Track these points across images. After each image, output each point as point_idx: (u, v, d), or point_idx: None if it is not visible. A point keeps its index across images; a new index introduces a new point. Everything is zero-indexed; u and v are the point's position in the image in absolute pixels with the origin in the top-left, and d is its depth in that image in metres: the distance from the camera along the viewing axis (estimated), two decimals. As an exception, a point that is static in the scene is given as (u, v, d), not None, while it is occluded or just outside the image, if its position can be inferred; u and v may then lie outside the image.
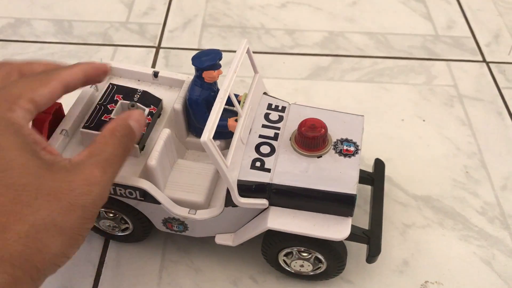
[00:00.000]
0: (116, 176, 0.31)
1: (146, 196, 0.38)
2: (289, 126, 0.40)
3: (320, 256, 0.39)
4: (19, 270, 0.26)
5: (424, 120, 0.56)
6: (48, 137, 0.39)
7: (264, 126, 0.40)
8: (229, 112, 0.41)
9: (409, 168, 0.51)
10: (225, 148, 0.43)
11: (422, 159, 0.52)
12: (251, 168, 0.37)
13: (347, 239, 0.37)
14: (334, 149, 0.38)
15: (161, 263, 0.43)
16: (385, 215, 0.46)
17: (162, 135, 0.38)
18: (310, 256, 0.39)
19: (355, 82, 0.60)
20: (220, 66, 0.40)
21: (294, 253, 0.39)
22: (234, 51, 0.38)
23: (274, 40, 0.66)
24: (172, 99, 0.42)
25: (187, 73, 0.44)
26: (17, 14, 0.68)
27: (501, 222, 0.47)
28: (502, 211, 0.48)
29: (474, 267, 0.44)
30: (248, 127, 0.39)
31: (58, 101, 0.39)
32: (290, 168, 0.37)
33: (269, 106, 0.41)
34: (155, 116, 0.40)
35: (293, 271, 0.41)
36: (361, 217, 0.46)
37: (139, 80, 0.44)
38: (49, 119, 0.38)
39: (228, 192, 0.36)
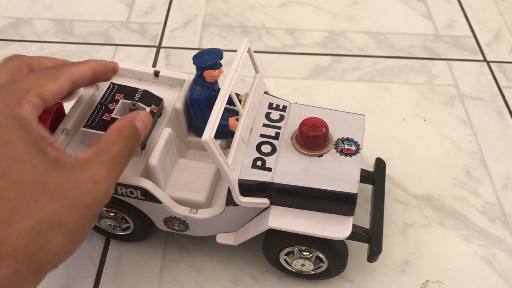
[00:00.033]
0: (120, 176, 0.31)
1: (147, 195, 0.38)
2: (290, 125, 0.40)
3: (321, 255, 0.39)
4: (22, 265, 0.26)
5: (424, 120, 0.56)
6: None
7: (265, 125, 0.40)
8: (230, 112, 0.41)
9: (409, 168, 0.51)
10: (226, 147, 0.43)
11: (423, 159, 0.52)
12: (252, 167, 0.37)
13: (348, 238, 0.37)
14: (335, 148, 0.38)
15: (162, 262, 0.43)
16: (386, 214, 0.46)
17: (163, 134, 0.39)
18: (311, 255, 0.39)
19: (356, 81, 0.60)
20: (221, 65, 0.40)
21: (295, 252, 0.39)
22: (235, 51, 0.38)
23: (274, 39, 0.66)
24: (173, 99, 0.42)
25: (188, 73, 0.44)
26: (18, 14, 0.68)
27: (502, 222, 0.47)
28: (503, 210, 0.48)
29: (475, 266, 0.44)
30: (249, 127, 0.39)
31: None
32: (291, 167, 0.37)
33: (270, 106, 0.41)
34: (156, 116, 0.40)
35: (294, 270, 0.41)
36: (362, 217, 0.46)
37: (140, 80, 0.44)
38: (50, 118, 0.38)
39: (229, 191, 0.36)
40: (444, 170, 0.51)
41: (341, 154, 0.38)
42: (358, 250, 0.44)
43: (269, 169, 0.37)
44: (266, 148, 0.38)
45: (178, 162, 0.41)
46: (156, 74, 0.44)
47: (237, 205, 0.37)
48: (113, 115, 0.39)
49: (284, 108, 0.41)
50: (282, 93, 0.49)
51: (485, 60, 0.63)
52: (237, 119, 0.39)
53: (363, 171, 0.43)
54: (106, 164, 0.30)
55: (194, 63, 0.40)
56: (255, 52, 0.39)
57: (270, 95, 0.42)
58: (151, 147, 0.39)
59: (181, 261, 0.43)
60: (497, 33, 0.67)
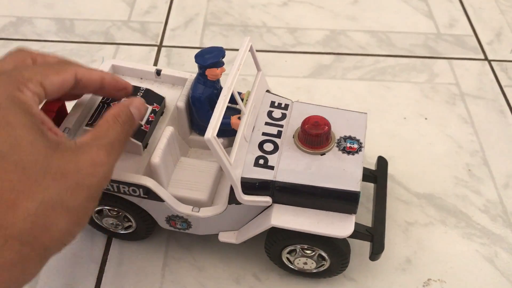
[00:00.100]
0: (117, 160, 0.32)
1: (149, 194, 0.38)
2: (292, 123, 0.40)
3: (323, 254, 0.39)
4: (27, 247, 0.26)
5: (426, 118, 0.56)
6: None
7: (267, 123, 0.40)
8: (232, 110, 0.41)
9: (411, 166, 0.51)
10: (228, 146, 0.43)
11: (424, 157, 0.52)
12: (254, 165, 0.37)
13: (350, 236, 0.37)
14: (337, 146, 0.38)
15: (164, 261, 0.43)
16: (387, 213, 0.46)
17: (165, 133, 0.39)
18: (313, 253, 0.39)
19: (357, 80, 0.60)
20: (223, 63, 0.40)
21: (298, 250, 0.39)
22: (236, 50, 0.38)
23: (275, 38, 0.66)
24: (175, 97, 0.42)
25: (190, 72, 0.44)
26: (19, 13, 0.68)
27: (503, 220, 0.47)
28: (505, 209, 0.48)
29: (476, 264, 0.44)
30: (251, 125, 0.39)
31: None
32: (293, 166, 0.37)
33: (272, 104, 0.41)
34: (158, 114, 0.40)
35: (296, 269, 0.41)
36: (364, 215, 0.46)
37: (141, 78, 0.44)
38: (52, 117, 0.38)
39: (231, 189, 0.36)
40: (445, 169, 0.51)
41: (343, 152, 0.38)
42: (360, 248, 0.44)
43: (272, 168, 0.37)
44: (268, 147, 0.38)
45: (180, 161, 0.41)
46: (158, 72, 0.44)
47: (240, 203, 0.37)
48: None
49: (286, 107, 0.41)
50: (283, 92, 0.49)
51: (486, 59, 0.63)
52: (239, 118, 0.39)
53: (365, 170, 0.43)
54: (105, 147, 0.30)
55: (196, 61, 0.39)
56: (256, 51, 0.39)
57: (272, 93, 0.42)
58: (153, 146, 0.39)
59: (183, 260, 0.43)
60: (498, 32, 0.67)
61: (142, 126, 0.38)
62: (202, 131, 0.43)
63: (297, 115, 0.40)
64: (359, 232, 0.39)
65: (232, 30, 0.67)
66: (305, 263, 0.40)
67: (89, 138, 0.31)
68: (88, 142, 0.30)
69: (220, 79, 0.41)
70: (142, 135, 0.38)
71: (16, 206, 0.26)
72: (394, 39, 0.66)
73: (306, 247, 0.39)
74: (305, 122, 0.37)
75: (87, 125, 0.39)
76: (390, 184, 0.49)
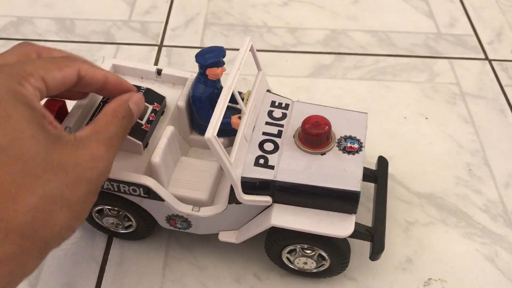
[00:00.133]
0: (116, 155, 0.32)
1: (149, 193, 0.38)
2: (293, 123, 0.40)
3: (323, 253, 0.39)
4: (27, 241, 0.26)
5: (426, 118, 0.56)
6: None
7: (267, 123, 0.40)
8: (233, 110, 0.41)
9: (411, 166, 0.51)
10: (229, 145, 0.43)
11: (425, 157, 0.52)
12: (254, 165, 0.37)
13: (350, 236, 0.37)
14: (337, 146, 0.38)
15: (165, 261, 0.43)
16: (388, 212, 0.46)
17: (165, 132, 0.39)
18: (313, 253, 0.39)
19: (358, 80, 0.60)
20: (223, 63, 0.40)
21: (298, 250, 0.39)
22: (237, 49, 0.38)
23: (276, 38, 0.66)
24: (176, 97, 0.42)
25: (190, 71, 0.44)
26: (19, 13, 0.68)
27: (504, 220, 0.47)
28: (505, 208, 0.48)
29: (477, 264, 0.44)
30: (251, 125, 0.39)
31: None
32: (293, 165, 0.37)
33: (273, 104, 0.41)
34: (158, 114, 0.40)
35: (296, 269, 0.41)
36: (364, 215, 0.46)
37: (142, 78, 0.44)
38: (53, 115, 0.38)
39: (231, 189, 0.36)
40: (446, 168, 0.51)
41: (343, 152, 0.38)
42: (360, 248, 0.44)
43: (272, 167, 0.37)
44: (268, 146, 0.38)
45: (181, 160, 0.41)
46: (159, 72, 0.44)
47: (240, 203, 0.37)
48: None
49: (286, 106, 0.41)
50: (283, 91, 0.49)
51: (487, 58, 0.63)
52: (239, 117, 0.39)
53: (365, 170, 0.43)
54: (105, 142, 0.31)
55: (196, 61, 0.39)
56: (256, 50, 0.39)
57: (272, 93, 0.42)
58: (153, 145, 0.39)
59: (184, 259, 0.43)
60: (499, 31, 0.67)
61: (143, 125, 0.38)
62: (202, 130, 0.43)
63: (297, 114, 0.40)
64: (359, 232, 0.39)
65: (232, 30, 0.67)
66: (305, 263, 0.40)
67: (89, 133, 0.31)
68: (88, 136, 0.30)
69: (221, 78, 0.41)
70: (143, 134, 0.38)
71: (17, 199, 0.26)
72: (394, 39, 0.66)
73: (306, 247, 0.39)
74: (306, 121, 0.37)
75: (87, 124, 0.39)
76: (390, 183, 0.49)
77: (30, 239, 0.26)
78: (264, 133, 0.39)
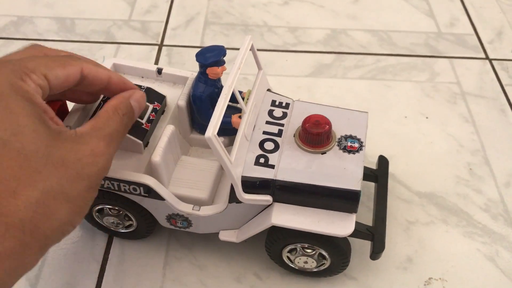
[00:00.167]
0: (116, 151, 0.32)
1: (150, 192, 0.38)
2: (293, 122, 0.40)
3: (324, 253, 0.39)
4: (28, 236, 0.26)
5: (427, 117, 0.56)
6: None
7: (268, 122, 0.40)
8: (233, 109, 0.41)
9: (412, 165, 0.51)
10: (229, 145, 0.43)
11: (426, 156, 0.52)
12: (255, 164, 0.37)
13: (351, 235, 0.37)
14: (338, 145, 0.38)
15: (165, 260, 0.43)
16: (388, 212, 0.46)
17: (166, 131, 0.39)
18: (314, 252, 0.39)
19: (358, 79, 0.60)
20: (224, 62, 0.40)
21: (298, 249, 0.39)
22: (237, 49, 0.38)
23: (276, 37, 0.66)
24: (176, 96, 0.42)
25: (190, 71, 0.44)
26: (20, 12, 0.68)
27: (504, 219, 0.47)
28: (506, 207, 0.48)
29: (477, 263, 0.44)
30: (252, 124, 0.39)
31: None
32: (294, 165, 0.37)
33: (273, 103, 0.41)
34: (159, 113, 0.40)
35: (297, 268, 0.41)
36: (365, 214, 0.46)
37: (142, 77, 0.44)
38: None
39: (232, 188, 0.36)
40: (446, 168, 0.51)
41: (344, 152, 0.38)
42: (361, 247, 0.44)
43: (272, 166, 0.37)
44: (269, 145, 0.38)
45: (181, 159, 0.41)
46: (159, 71, 0.44)
47: (240, 202, 0.37)
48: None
49: (287, 106, 0.41)
50: (284, 91, 0.49)
51: (487, 58, 0.63)
52: (240, 117, 0.39)
53: (366, 169, 0.43)
54: (105, 138, 0.31)
55: (197, 60, 0.39)
56: (257, 50, 0.39)
57: (273, 92, 0.42)
58: (154, 144, 0.39)
59: (184, 259, 0.43)
60: (499, 31, 0.67)
61: (143, 124, 0.38)
62: (202, 130, 0.43)
63: (298, 114, 0.40)
64: (360, 231, 0.39)
65: (232, 29, 0.67)
66: (306, 262, 0.40)
67: (89, 128, 0.31)
68: (88, 132, 0.30)
69: (221, 78, 0.41)
70: (143, 133, 0.38)
71: (17, 194, 0.26)
72: (395, 38, 0.66)
73: (306, 246, 0.39)
74: (306, 121, 0.37)
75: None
76: (391, 183, 0.49)
77: (30, 234, 0.26)
78: (264, 132, 0.39)
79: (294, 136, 0.38)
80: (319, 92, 0.58)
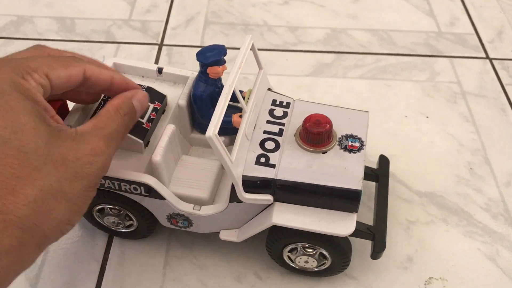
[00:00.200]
0: (116, 151, 0.32)
1: (151, 192, 0.38)
2: (294, 122, 0.40)
3: (324, 252, 0.39)
4: (26, 234, 0.26)
5: (427, 117, 0.56)
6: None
7: (268, 122, 0.40)
8: (234, 108, 0.41)
9: (412, 165, 0.51)
10: (230, 144, 0.43)
11: (426, 156, 0.52)
12: (255, 163, 0.37)
13: (352, 235, 0.37)
14: (339, 145, 0.38)
15: (165, 260, 0.43)
16: (389, 211, 0.46)
17: (166, 131, 0.38)
18: (314, 252, 0.39)
19: (358, 79, 0.60)
20: (224, 61, 0.40)
21: (299, 249, 0.39)
22: (237, 48, 0.38)
23: (276, 37, 0.65)
24: (177, 95, 0.42)
25: (191, 70, 0.44)
26: (20, 12, 0.68)
27: (505, 219, 0.47)
28: (506, 207, 0.48)
29: (478, 263, 0.44)
30: (252, 123, 0.39)
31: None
32: (295, 164, 0.37)
33: (274, 102, 0.41)
34: (159, 112, 0.40)
35: (297, 267, 0.41)
36: (365, 214, 0.46)
37: (143, 76, 0.44)
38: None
39: (232, 187, 0.36)
40: (447, 167, 0.51)
41: (345, 151, 0.38)
42: (361, 247, 0.44)
43: (273, 166, 0.37)
44: (269, 145, 0.38)
45: (182, 159, 0.41)
46: (160, 71, 0.44)
47: (241, 201, 0.37)
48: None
49: (287, 105, 0.41)
50: (284, 90, 0.49)
51: (487, 57, 0.63)
52: (240, 116, 0.39)
53: (366, 168, 0.43)
54: (105, 138, 0.31)
55: (197, 59, 0.39)
56: (257, 49, 0.39)
57: (273, 91, 0.42)
58: (154, 144, 0.39)
59: (184, 258, 0.43)
60: (500, 30, 0.67)
61: (144, 124, 0.38)
62: (203, 129, 0.42)
63: (298, 113, 0.40)
64: (361, 231, 0.39)
65: (233, 29, 0.67)
66: (306, 262, 0.40)
67: (90, 128, 0.31)
68: (89, 131, 0.30)
69: (222, 77, 0.41)
70: (144, 133, 0.38)
71: (17, 192, 0.26)
72: (395, 38, 0.66)
73: (307, 245, 0.39)
74: (307, 120, 0.37)
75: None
76: (391, 182, 0.49)
77: (29, 232, 0.26)
78: (265, 132, 0.39)
79: (294, 136, 0.38)
80: (319, 92, 0.58)
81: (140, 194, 0.38)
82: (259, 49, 0.63)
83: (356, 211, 0.37)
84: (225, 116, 0.34)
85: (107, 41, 0.64)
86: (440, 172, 0.50)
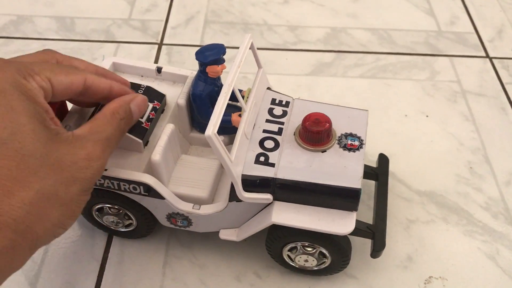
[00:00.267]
0: (111, 155, 0.32)
1: (150, 191, 0.38)
2: (293, 121, 0.39)
3: (324, 251, 0.39)
4: (19, 236, 0.26)
5: (427, 116, 0.56)
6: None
7: (268, 121, 0.39)
8: (233, 108, 0.41)
9: (412, 164, 0.51)
10: (229, 143, 0.43)
11: (426, 155, 0.52)
12: (255, 163, 0.37)
13: (351, 233, 0.37)
14: (338, 143, 0.38)
15: (165, 259, 0.43)
16: (388, 210, 0.46)
17: (166, 130, 0.38)
18: (314, 251, 0.39)
19: (358, 78, 0.60)
20: (224, 60, 0.40)
21: (299, 248, 0.39)
22: (237, 48, 0.38)
23: (276, 36, 0.65)
24: (176, 95, 0.42)
25: (190, 69, 0.43)
26: (19, 11, 0.68)
27: (505, 218, 0.47)
28: (506, 206, 0.48)
29: (478, 262, 0.44)
30: (252, 122, 0.39)
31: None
32: (294, 163, 0.37)
33: (273, 101, 0.41)
34: (158, 112, 0.40)
35: (297, 266, 0.41)
36: (365, 212, 0.46)
37: (142, 76, 0.44)
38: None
39: (232, 187, 0.36)
40: (447, 166, 0.51)
41: (344, 150, 0.38)
42: (361, 246, 0.43)
43: (272, 165, 0.37)
44: (269, 144, 0.38)
45: (181, 158, 0.41)
46: (159, 70, 0.43)
47: (240, 200, 0.37)
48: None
49: (287, 104, 0.41)
50: (284, 89, 0.49)
51: (487, 56, 0.63)
52: (240, 115, 0.39)
53: (366, 167, 0.43)
54: (101, 142, 0.31)
55: (196, 58, 0.39)
56: (257, 49, 0.39)
57: (273, 90, 0.42)
58: (154, 143, 0.39)
59: (184, 258, 0.43)
60: (500, 29, 0.67)
61: (143, 123, 0.38)
62: (202, 128, 0.43)
63: (298, 112, 0.40)
64: (360, 230, 0.39)
65: (232, 28, 0.66)
66: (306, 261, 0.40)
67: (86, 132, 0.31)
68: (85, 135, 0.30)
69: (221, 76, 0.41)
70: (143, 132, 0.38)
71: (12, 194, 0.26)
72: (395, 37, 0.66)
73: (307, 244, 0.39)
74: (306, 119, 0.37)
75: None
76: (391, 181, 0.49)
77: (22, 234, 0.26)
78: (264, 131, 0.39)
79: (294, 135, 0.38)
80: (319, 91, 0.58)
81: (140, 193, 0.38)
82: (259, 48, 0.63)
83: (356, 210, 0.37)
84: (224, 115, 0.34)
85: (106, 40, 0.64)
86: (440, 171, 0.50)
